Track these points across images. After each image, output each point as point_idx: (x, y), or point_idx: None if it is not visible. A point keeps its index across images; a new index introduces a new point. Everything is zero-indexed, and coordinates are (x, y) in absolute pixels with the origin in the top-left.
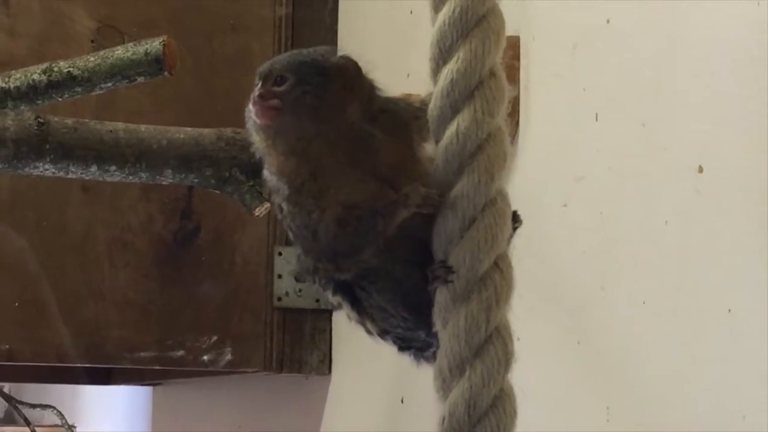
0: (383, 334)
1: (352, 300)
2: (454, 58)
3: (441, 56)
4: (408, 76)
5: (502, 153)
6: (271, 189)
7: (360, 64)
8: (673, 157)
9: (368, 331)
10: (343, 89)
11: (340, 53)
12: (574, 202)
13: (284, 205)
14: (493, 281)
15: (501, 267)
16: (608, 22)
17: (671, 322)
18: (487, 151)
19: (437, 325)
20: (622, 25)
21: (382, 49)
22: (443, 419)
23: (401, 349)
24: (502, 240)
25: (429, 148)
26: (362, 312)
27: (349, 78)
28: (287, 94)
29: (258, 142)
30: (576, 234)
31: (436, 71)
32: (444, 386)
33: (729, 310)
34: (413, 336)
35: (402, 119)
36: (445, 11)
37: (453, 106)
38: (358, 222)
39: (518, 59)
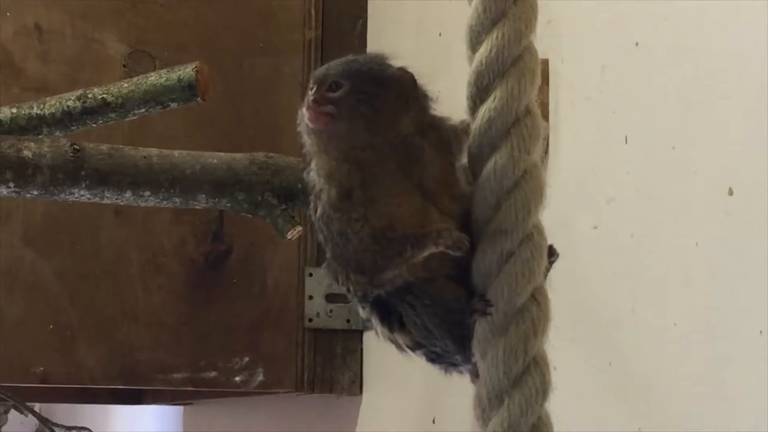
0: (416, 347)
1: (383, 315)
2: (491, 97)
3: (478, 95)
4: (437, 98)
5: (539, 188)
6: (314, 191)
7: (415, 76)
8: (703, 180)
9: (399, 346)
10: (397, 100)
11: (395, 63)
12: (605, 224)
13: (325, 208)
14: (530, 314)
15: (538, 299)
16: (637, 44)
17: (702, 344)
18: (524, 187)
19: (476, 356)
20: (650, 47)
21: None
22: None
23: (431, 361)
24: (538, 273)
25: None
26: (394, 326)
27: (404, 90)
28: (342, 100)
29: (309, 144)
30: (606, 256)
31: (473, 109)
32: (483, 415)
33: (760, 332)
34: (449, 358)
35: (447, 137)
36: (482, 51)
37: (490, 143)
38: (388, 243)
39: (547, 82)
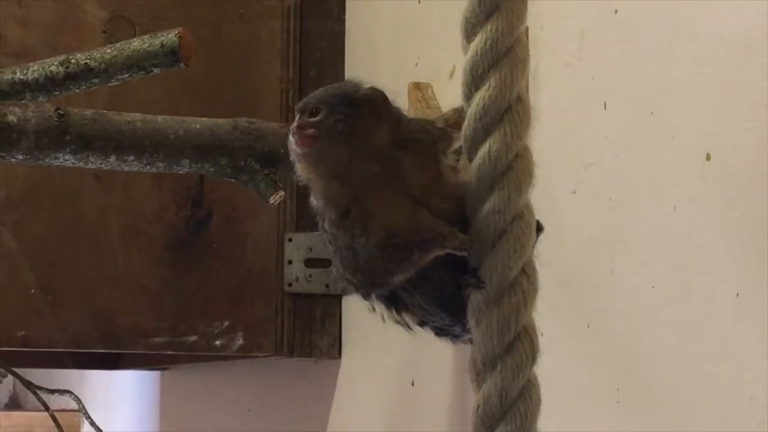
0: (422, 324)
1: (388, 300)
2: (486, 86)
3: (473, 83)
4: (416, 65)
5: (529, 170)
6: (318, 213)
7: (386, 93)
8: (681, 145)
9: (407, 326)
10: (372, 116)
11: (367, 85)
12: (583, 189)
13: (328, 228)
14: (521, 286)
15: (528, 273)
16: (616, 12)
17: (680, 306)
18: (516, 169)
19: (471, 324)
20: (630, 14)
21: (390, 38)
22: (478, 406)
23: (438, 335)
24: (528, 249)
25: (451, 160)
26: (400, 308)
27: (377, 106)
28: (321, 123)
29: (301, 171)
30: (585, 220)
31: (468, 96)
32: (478, 378)
33: (737, 294)
34: (450, 330)
35: (428, 144)
36: (477, 42)
37: (485, 129)
38: (395, 250)
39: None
